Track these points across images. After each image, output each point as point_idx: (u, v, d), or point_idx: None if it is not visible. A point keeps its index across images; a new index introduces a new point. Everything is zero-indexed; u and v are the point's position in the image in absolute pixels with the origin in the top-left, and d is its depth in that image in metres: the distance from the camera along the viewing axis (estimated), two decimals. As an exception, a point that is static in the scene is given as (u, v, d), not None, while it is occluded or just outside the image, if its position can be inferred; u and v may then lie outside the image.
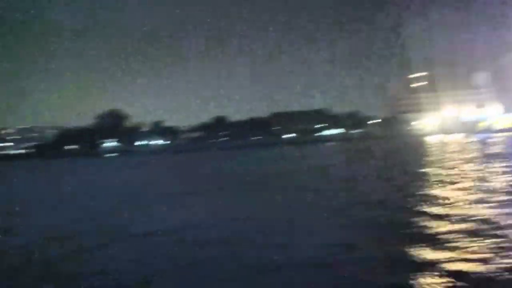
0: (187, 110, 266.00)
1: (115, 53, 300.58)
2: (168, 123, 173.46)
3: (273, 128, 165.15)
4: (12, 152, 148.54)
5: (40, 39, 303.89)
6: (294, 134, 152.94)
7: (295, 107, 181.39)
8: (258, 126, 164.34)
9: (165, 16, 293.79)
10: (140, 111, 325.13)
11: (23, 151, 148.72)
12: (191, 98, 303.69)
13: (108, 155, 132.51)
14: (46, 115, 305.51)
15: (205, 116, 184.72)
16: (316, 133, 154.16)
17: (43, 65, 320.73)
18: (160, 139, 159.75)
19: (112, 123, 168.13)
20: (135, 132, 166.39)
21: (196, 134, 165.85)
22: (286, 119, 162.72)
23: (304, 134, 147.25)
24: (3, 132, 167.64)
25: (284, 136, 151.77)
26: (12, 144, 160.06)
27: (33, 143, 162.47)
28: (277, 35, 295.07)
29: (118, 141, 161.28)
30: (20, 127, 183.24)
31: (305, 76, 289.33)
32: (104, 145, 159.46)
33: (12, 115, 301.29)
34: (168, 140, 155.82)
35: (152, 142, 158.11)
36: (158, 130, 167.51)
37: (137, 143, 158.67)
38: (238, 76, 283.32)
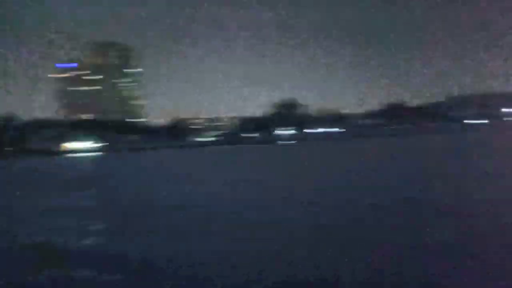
0: (360, 97, 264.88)
1: (285, 47, 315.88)
2: (342, 111, 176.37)
3: (452, 114, 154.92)
4: (202, 139, 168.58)
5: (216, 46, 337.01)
6: (477, 120, 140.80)
7: (477, 89, 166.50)
8: (434, 111, 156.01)
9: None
10: (313, 99, 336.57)
11: (212, 138, 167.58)
12: (363, 85, 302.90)
13: (282, 142, 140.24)
14: (227, 106, 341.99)
15: (379, 103, 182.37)
16: (508, 117, 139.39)
17: (220, 65, 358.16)
18: (333, 126, 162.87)
19: (287, 112, 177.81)
20: (308, 120, 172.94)
21: (370, 121, 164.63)
22: (468, 102, 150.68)
23: (492, 119, 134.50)
24: (193, 123, 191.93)
25: (466, 122, 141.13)
26: (202, 133, 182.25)
27: (220, 132, 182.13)
28: (457, 15, 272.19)
29: (292, 129, 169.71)
30: (206, 117, 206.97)
31: (487, 55, 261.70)
32: (279, 132, 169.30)
33: (200, 108, 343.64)
34: (341, 127, 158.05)
35: (326, 129, 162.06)
36: (331, 117, 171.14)
37: (310, 131, 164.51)
38: (413, 60, 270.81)
